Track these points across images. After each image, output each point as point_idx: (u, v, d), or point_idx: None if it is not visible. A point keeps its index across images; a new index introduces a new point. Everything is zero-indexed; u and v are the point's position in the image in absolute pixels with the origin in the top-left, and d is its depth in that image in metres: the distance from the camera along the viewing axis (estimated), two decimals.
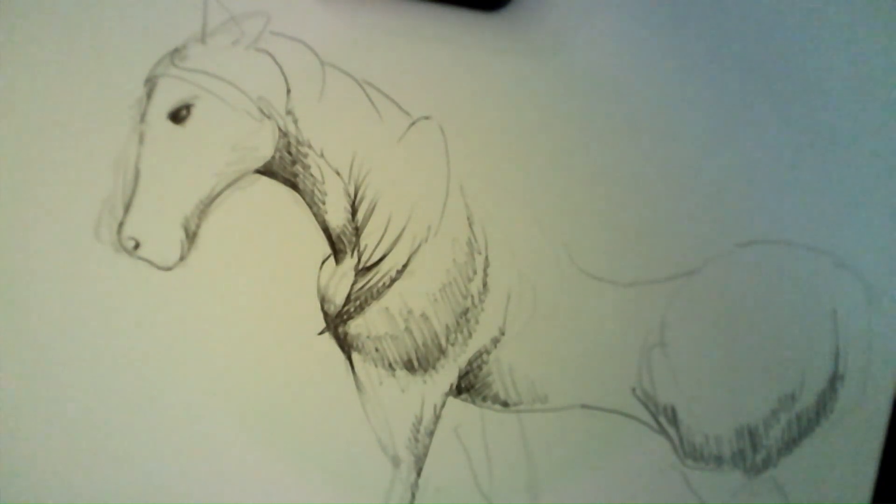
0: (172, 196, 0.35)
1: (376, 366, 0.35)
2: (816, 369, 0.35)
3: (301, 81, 0.35)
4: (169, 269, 0.35)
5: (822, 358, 0.35)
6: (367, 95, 0.35)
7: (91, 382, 0.35)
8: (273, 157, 0.35)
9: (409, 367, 0.35)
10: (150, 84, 0.35)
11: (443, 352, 0.35)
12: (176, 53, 0.35)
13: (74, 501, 0.35)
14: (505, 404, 0.35)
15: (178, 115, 0.34)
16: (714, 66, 0.35)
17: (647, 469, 0.35)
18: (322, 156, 0.35)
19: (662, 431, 0.35)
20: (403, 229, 0.35)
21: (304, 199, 0.35)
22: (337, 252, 0.35)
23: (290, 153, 0.35)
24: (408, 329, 0.35)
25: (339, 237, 0.35)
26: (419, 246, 0.35)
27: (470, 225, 0.35)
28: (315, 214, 0.35)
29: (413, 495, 0.35)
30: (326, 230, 0.35)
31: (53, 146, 0.35)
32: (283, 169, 0.35)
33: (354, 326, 0.35)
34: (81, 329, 0.35)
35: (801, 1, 0.35)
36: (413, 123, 0.35)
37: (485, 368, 0.35)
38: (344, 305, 0.35)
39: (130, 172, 0.35)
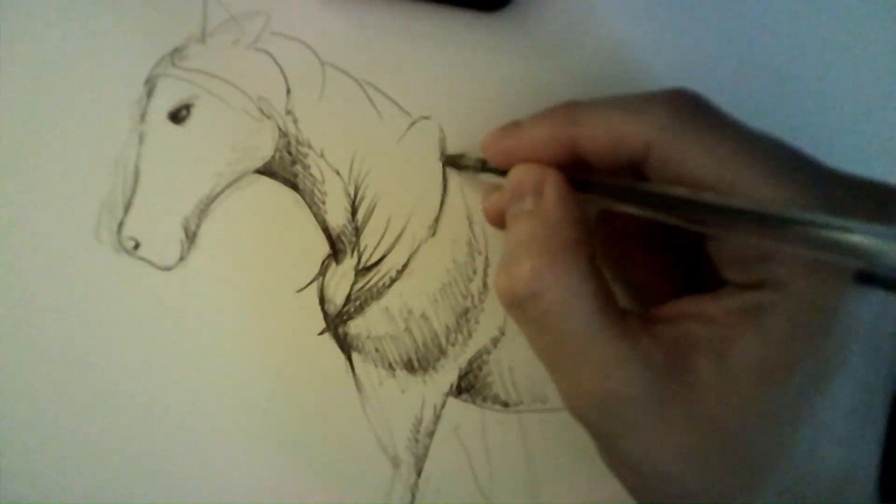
0: (172, 196, 0.35)
1: (376, 366, 0.35)
2: None
3: (301, 81, 0.35)
4: (169, 269, 0.35)
5: None
6: (367, 95, 0.35)
7: (90, 382, 0.35)
8: (273, 157, 0.35)
9: (409, 367, 0.35)
10: (150, 84, 0.35)
11: (443, 352, 0.35)
12: (176, 53, 0.35)
13: (74, 501, 0.35)
14: (505, 404, 0.35)
15: (178, 116, 0.34)
16: (714, 66, 0.35)
17: None
18: (322, 156, 0.35)
19: None
20: (403, 229, 0.35)
21: (304, 199, 0.35)
22: (337, 252, 0.35)
23: (290, 153, 0.35)
24: (408, 329, 0.35)
25: (339, 237, 0.35)
26: (419, 246, 0.35)
27: (470, 225, 0.35)
28: (315, 214, 0.35)
29: (413, 496, 0.35)
30: (326, 230, 0.35)
31: (53, 146, 0.35)
32: (283, 169, 0.35)
33: (354, 326, 0.35)
34: (81, 329, 0.35)
35: (801, 1, 0.35)
36: (413, 123, 0.35)
37: (485, 368, 0.35)
38: (344, 305, 0.35)
39: (130, 172, 0.35)
